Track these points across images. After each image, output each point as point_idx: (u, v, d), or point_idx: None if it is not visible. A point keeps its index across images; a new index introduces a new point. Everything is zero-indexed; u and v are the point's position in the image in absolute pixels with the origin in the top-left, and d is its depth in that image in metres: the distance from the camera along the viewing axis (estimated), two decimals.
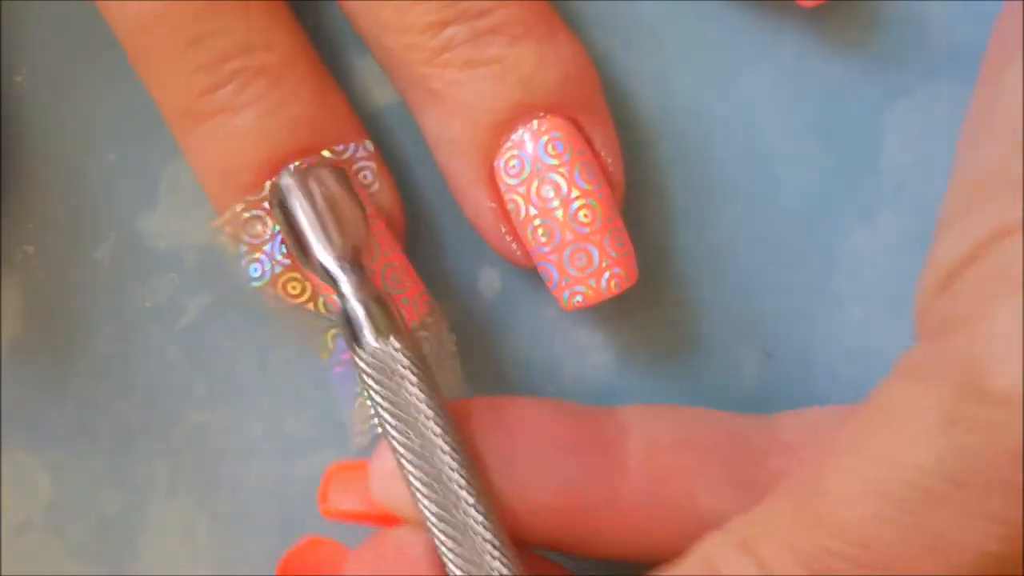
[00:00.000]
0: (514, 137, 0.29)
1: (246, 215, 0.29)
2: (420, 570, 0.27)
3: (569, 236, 0.29)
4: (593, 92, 0.30)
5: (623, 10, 0.31)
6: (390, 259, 0.29)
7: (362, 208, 0.29)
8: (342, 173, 0.29)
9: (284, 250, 0.29)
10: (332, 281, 0.28)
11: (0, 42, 0.31)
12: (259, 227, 0.29)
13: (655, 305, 0.31)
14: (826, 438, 0.27)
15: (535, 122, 0.29)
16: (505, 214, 0.29)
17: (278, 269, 0.29)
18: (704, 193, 0.31)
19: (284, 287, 0.29)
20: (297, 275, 0.29)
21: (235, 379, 0.32)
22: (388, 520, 0.28)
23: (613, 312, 0.31)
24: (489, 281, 0.32)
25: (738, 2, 0.31)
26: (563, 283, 0.29)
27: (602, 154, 0.29)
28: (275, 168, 0.29)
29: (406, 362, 0.27)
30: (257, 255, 0.29)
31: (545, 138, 0.29)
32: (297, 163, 0.29)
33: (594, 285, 0.29)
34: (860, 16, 0.31)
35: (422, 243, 0.31)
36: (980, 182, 0.25)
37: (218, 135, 0.28)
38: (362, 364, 0.27)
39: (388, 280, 0.29)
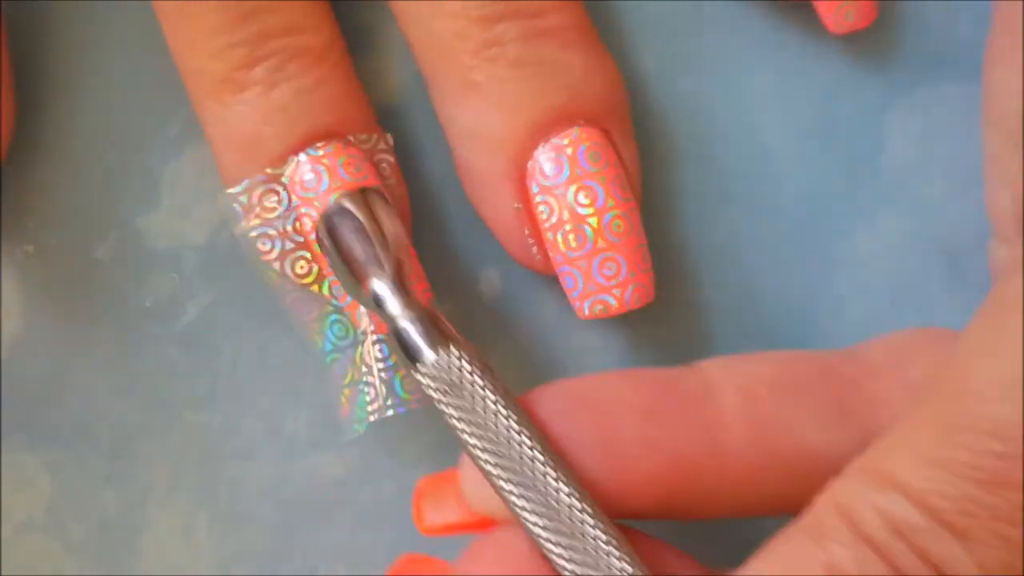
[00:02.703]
0: (555, 140, 0.29)
1: (263, 188, 0.29)
2: (529, 569, 0.26)
3: (601, 244, 0.29)
4: (626, 109, 0.30)
5: (623, 10, 0.31)
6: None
7: (401, 227, 0.29)
8: (380, 194, 0.29)
9: (295, 226, 0.29)
10: (380, 305, 0.28)
11: (0, 42, 0.31)
12: (274, 201, 0.29)
13: (655, 305, 0.31)
14: (918, 356, 0.26)
15: (576, 129, 0.29)
16: (530, 216, 0.29)
17: (288, 246, 0.29)
18: (704, 193, 0.31)
19: (292, 265, 0.29)
20: (306, 254, 0.29)
21: (235, 379, 0.32)
22: (487, 525, 0.27)
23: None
24: (489, 281, 0.32)
25: (738, 2, 0.31)
26: (588, 290, 0.29)
27: (629, 170, 0.30)
28: (303, 145, 0.29)
29: (469, 368, 0.27)
30: (269, 230, 0.29)
31: (586, 145, 0.29)
32: (336, 195, 0.29)
33: (618, 295, 0.29)
34: None
35: (422, 244, 0.31)
36: None
37: (252, 106, 0.29)
38: (425, 380, 0.27)
39: None
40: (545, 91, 0.29)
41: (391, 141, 0.30)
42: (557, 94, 0.29)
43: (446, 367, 0.27)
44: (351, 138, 0.29)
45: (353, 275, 0.28)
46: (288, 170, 0.29)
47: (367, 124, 0.30)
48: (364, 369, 0.29)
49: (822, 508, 0.24)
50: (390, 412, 0.29)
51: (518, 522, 0.26)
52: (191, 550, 0.32)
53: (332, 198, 0.28)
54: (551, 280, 0.30)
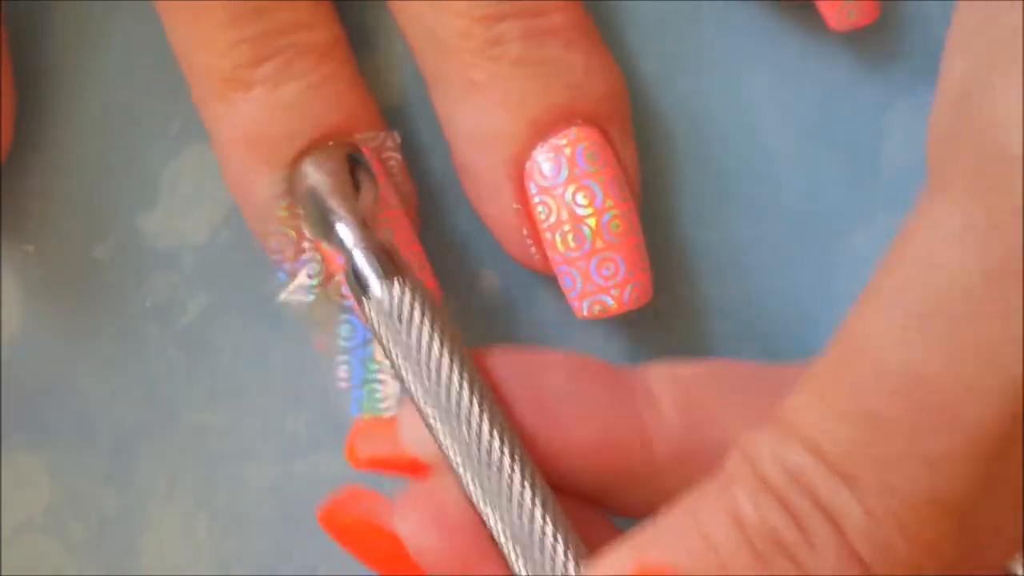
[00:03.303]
0: (553, 140, 0.29)
1: (280, 189, 0.29)
2: (457, 520, 0.26)
3: (599, 244, 0.29)
4: (626, 110, 0.30)
5: (623, 10, 0.31)
6: (412, 247, 0.29)
7: (374, 183, 0.29)
8: (357, 149, 0.29)
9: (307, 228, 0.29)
10: (340, 242, 0.28)
11: (0, 43, 0.31)
12: (288, 202, 0.29)
13: (655, 305, 0.31)
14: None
15: (574, 129, 0.29)
16: (529, 216, 0.29)
17: (305, 245, 0.29)
18: (704, 193, 0.31)
19: (307, 264, 0.29)
20: (317, 255, 0.29)
21: (235, 379, 0.32)
22: (419, 469, 0.27)
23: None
24: (489, 281, 0.32)
25: (738, 2, 0.31)
26: (586, 290, 0.29)
27: (628, 170, 0.30)
28: (311, 144, 0.29)
29: (416, 305, 0.27)
30: (286, 229, 0.29)
31: (584, 145, 0.29)
32: (315, 152, 0.29)
33: (617, 295, 0.29)
34: None
35: (422, 244, 0.31)
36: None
37: (259, 104, 0.29)
38: (371, 314, 0.27)
39: None
40: (547, 90, 0.29)
41: (398, 139, 0.30)
42: (559, 93, 0.29)
43: (393, 301, 0.27)
44: (358, 136, 0.29)
45: (323, 219, 0.28)
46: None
47: (374, 122, 0.30)
48: (375, 366, 0.29)
49: (731, 458, 0.24)
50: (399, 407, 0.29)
51: (449, 469, 0.26)
52: (191, 550, 0.32)
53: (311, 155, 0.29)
54: (551, 280, 0.30)
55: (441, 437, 0.26)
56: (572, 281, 0.29)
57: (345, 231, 0.28)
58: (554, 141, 0.29)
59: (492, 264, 0.31)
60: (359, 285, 0.27)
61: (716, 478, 0.24)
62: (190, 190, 0.31)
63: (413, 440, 0.27)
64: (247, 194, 0.29)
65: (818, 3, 0.30)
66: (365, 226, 0.28)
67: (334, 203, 0.28)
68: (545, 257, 0.29)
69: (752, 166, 0.31)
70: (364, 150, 0.29)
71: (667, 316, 0.31)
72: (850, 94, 0.31)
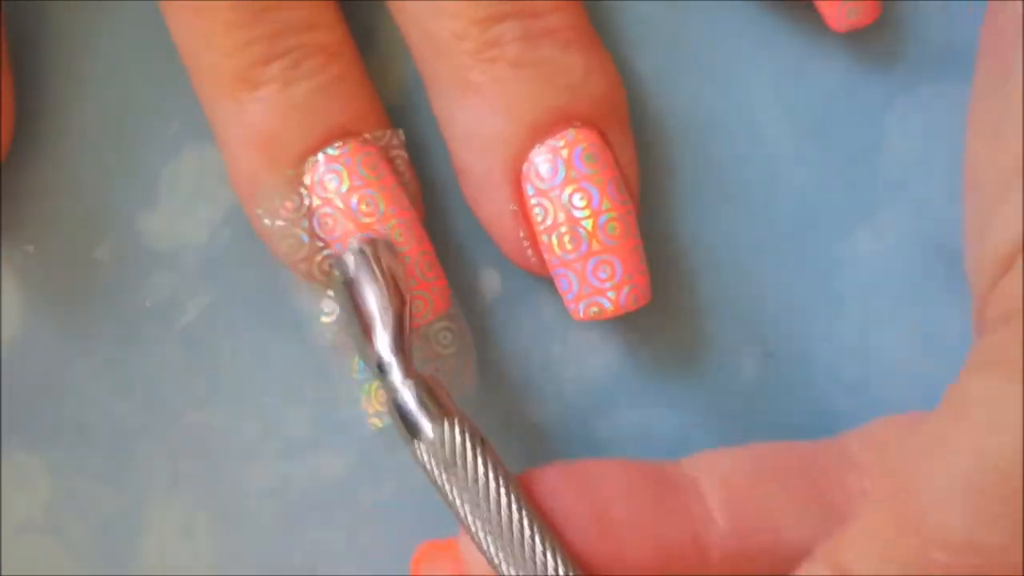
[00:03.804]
0: (551, 142, 0.29)
1: (283, 192, 0.29)
2: None
3: (596, 246, 0.29)
4: (625, 111, 0.30)
5: (623, 10, 0.31)
6: (424, 247, 0.29)
7: (401, 288, 0.28)
8: (391, 247, 0.29)
9: (316, 229, 0.29)
10: (382, 372, 0.28)
11: (0, 43, 0.31)
12: (296, 202, 0.29)
13: (655, 305, 0.31)
14: (896, 449, 0.27)
15: (572, 131, 0.29)
16: (526, 218, 0.29)
17: (315, 247, 0.29)
18: (704, 193, 0.31)
19: (319, 267, 0.29)
20: (331, 254, 0.29)
21: (235, 379, 0.32)
22: None
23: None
24: (489, 282, 0.32)
25: (738, 2, 0.31)
26: (582, 292, 0.29)
27: (626, 172, 0.30)
28: (321, 143, 0.29)
29: (467, 443, 0.27)
30: (293, 232, 0.29)
31: (582, 146, 0.29)
32: (357, 238, 0.28)
33: (613, 298, 0.29)
34: None
35: None
36: (1017, 166, 0.24)
37: (269, 104, 0.29)
38: (424, 456, 0.27)
39: (421, 267, 0.29)
40: (545, 92, 0.29)
41: (403, 137, 0.30)
42: (557, 95, 0.29)
43: (444, 442, 0.27)
44: (367, 135, 0.29)
45: (363, 329, 0.28)
46: (307, 170, 0.29)
47: (381, 121, 0.30)
48: None
49: None
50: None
51: None
52: (191, 550, 0.32)
53: (351, 246, 0.28)
54: (550, 281, 0.30)
55: (503, 568, 0.26)
56: (568, 283, 0.29)
57: (389, 363, 0.28)
58: (551, 143, 0.29)
59: (492, 264, 0.31)
60: (407, 425, 0.27)
61: None
62: (190, 190, 0.31)
63: (476, 564, 0.27)
64: (254, 194, 0.29)
65: (818, 3, 0.30)
66: (404, 353, 0.28)
67: (371, 319, 0.28)
68: (542, 259, 0.29)
69: (752, 167, 0.31)
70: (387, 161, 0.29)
71: (667, 316, 0.31)
72: (850, 94, 0.31)
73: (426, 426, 0.27)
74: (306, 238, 0.29)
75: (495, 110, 0.29)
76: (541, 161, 0.29)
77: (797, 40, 0.31)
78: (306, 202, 0.29)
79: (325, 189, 0.29)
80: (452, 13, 0.29)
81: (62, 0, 0.31)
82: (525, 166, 0.29)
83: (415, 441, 0.27)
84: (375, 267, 0.28)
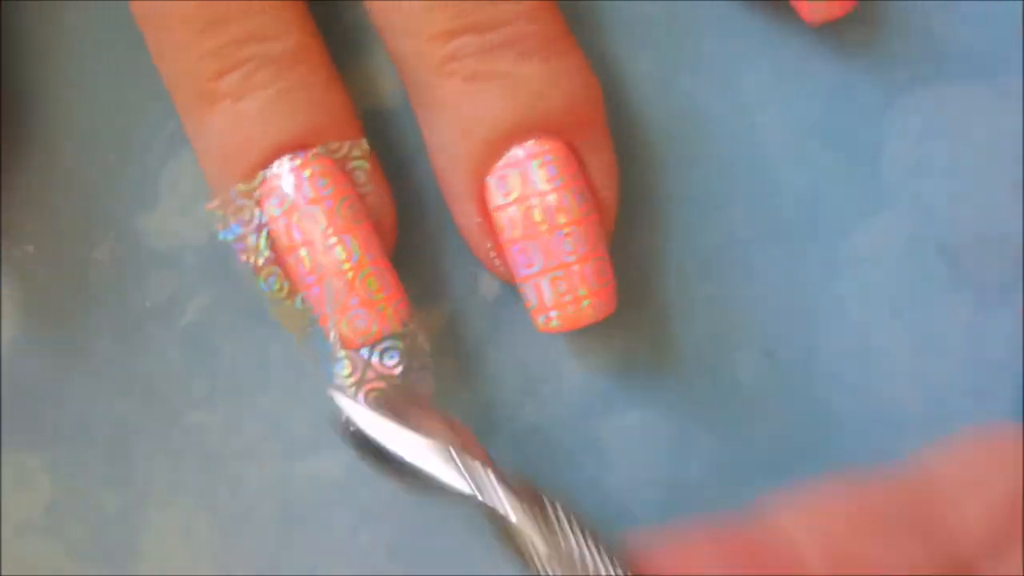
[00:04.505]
0: (509, 156, 0.29)
1: (238, 201, 0.29)
2: None
3: (553, 262, 0.29)
4: (594, 115, 0.29)
5: (623, 10, 0.31)
6: (375, 262, 0.29)
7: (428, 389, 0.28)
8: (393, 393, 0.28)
9: (268, 243, 0.29)
10: (462, 493, 0.27)
11: (0, 42, 0.31)
12: (248, 215, 0.29)
13: (655, 305, 0.31)
14: (994, 472, 0.26)
15: (531, 143, 0.29)
16: (492, 230, 0.29)
17: (261, 261, 0.29)
18: (704, 193, 0.31)
19: (267, 280, 0.29)
20: (277, 270, 0.29)
21: (235, 379, 0.32)
22: None
23: (613, 312, 0.31)
24: (489, 283, 0.32)
25: (738, 2, 0.31)
26: (542, 305, 0.29)
27: (596, 179, 0.29)
28: (275, 155, 0.28)
29: (586, 554, 0.26)
30: (244, 242, 0.29)
31: (539, 160, 0.28)
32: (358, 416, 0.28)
33: (571, 313, 0.29)
34: (860, 16, 0.31)
35: (422, 244, 0.31)
36: None
37: (224, 118, 0.29)
38: (549, 570, 0.26)
39: (369, 283, 0.29)
40: (501, 106, 0.28)
41: (367, 147, 0.29)
42: (514, 108, 0.28)
43: (562, 558, 0.26)
44: (319, 149, 0.29)
45: (427, 476, 0.27)
46: (256, 184, 0.29)
47: (341, 131, 0.29)
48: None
49: None
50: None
51: None
52: (191, 550, 0.32)
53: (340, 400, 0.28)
54: None
55: None
56: (528, 296, 0.29)
57: (477, 483, 0.26)
58: (510, 156, 0.29)
59: None
60: (524, 551, 0.26)
61: None
62: (189, 190, 0.31)
63: None
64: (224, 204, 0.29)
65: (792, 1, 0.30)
66: (498, 474, 0.27)
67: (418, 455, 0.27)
68: (509, 268, 0.29)
69: (752, 166, 0.31)
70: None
71: (667, 317, 0.31)
72: (850, 94, 0.31)
73: (542, 548, 0.26)
74: (266, 251, 0.29)
75: (453, 126, 0.29)
76: (500, 176, 0.29)
77: (797, 40, 0.31)
78: (256, 218, 0.29)
79: (271, 204, 0.29)
80: (410, 32, 0.28)
81: (63, 0, 0.31)
82: (489, 179, 0.29)
83: (537, 559, 0.26)
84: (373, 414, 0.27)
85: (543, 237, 0.29)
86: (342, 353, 0.29)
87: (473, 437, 0.28)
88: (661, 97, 0.31)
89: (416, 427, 0.27)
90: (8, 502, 0.32)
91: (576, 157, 0.29)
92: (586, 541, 0.26)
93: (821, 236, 0.31)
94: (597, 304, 0.29)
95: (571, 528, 0.26)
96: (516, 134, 0.28)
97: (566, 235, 0.28)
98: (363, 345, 0.29)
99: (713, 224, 0.31)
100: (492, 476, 0.26)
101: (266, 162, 0.29)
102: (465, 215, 0.30)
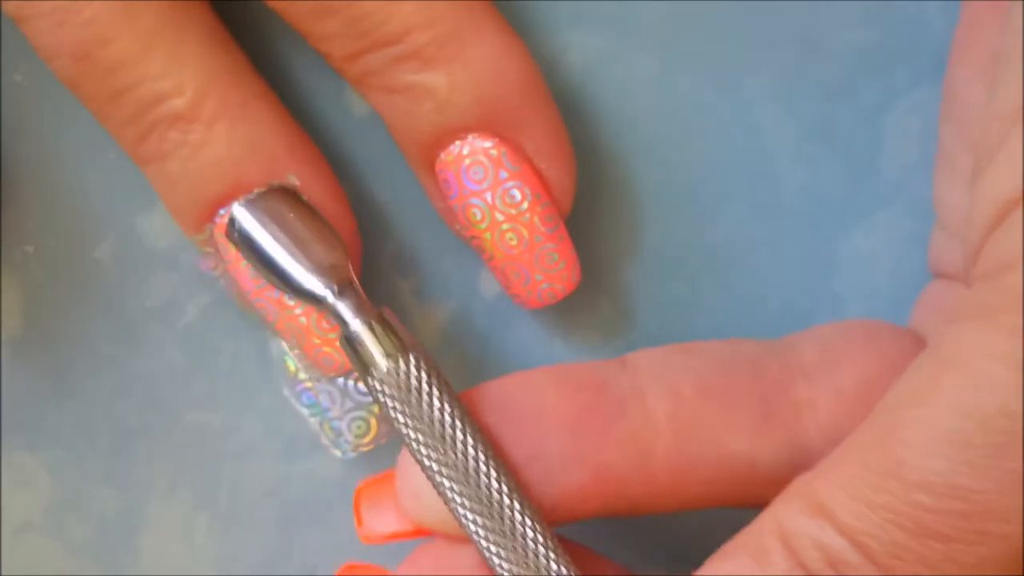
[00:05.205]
0: (439, 160, 0.29)
1: (203, 250, 0.29)
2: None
3: (500, 256, 0.29)
4: (522, 100, 0.29)
5: (623, 10, 0.31)
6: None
7: (328, 225, 0.28)
8: (294, 195, 0.28)
9: (229, 284, 0.29)
10: (323, 306, 0.27)
11: (0, 42, 0.31)
12: (214, 260, 0.29)
13: (654, 305, 0.31)
14: (850, 358, 0.27)
15: (455, 145, 0.29)
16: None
17: (240, 297, 0.29)
18: (704, 193, 0.31)
19: (249, 311, 0.29)
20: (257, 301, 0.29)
21: (235, 379, 0.32)
22: (426, 534, 0.28)
23: (612, 312, 0.31)
24: (489, 281, 0.32)
25: (738, 2, 0.31)
26: (508, 287, 0.30)
27: (539, 162, 0.29)
28: (209, 211, 0.29)
29: (424, 377, 0.27)
30: (224, 281, 0.29)
31: (466, 162, 0.29)
32: (253, 193, 0.28)
33: (530, 296, 0.30)
34: (860, 16, 0.31)
35: (422, 244, 0.31)
36: (1016, 113, 0.24)
37: (158, 180, 0.29)
38: (379, 387, 0.27)
39: (321, 325, 0.29)
40: (416, 115, 0.28)
41: (296, 181, 0.29)
42: (428, 117, 0.28)
43: (399, 375, 0.27)
44: (242, 200, 0.28)
45: (277, 275, 0.28)
46: (207, 235, 0.29)
47: (267, 165, 0.29)
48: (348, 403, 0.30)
49: (764, 528, 0.25)
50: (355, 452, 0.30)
51: (457, 532, 0.27)
52: (191, 550, 0.32)
53: (240, 200, 0.28)
54: None
55: (451, 497, 0.27)
56: (497, 279, 0.30)
57: (334, 300, 0.27)
58: (441, 159, 0.29)
59: None
60: (362, 361, 0.27)
61: (747, 547, 0.25)
62: None
63: (416, 510, 0.28)
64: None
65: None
66: (354, 288, 0.27)
67: (296, 260, 0.27)
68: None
69: (752, 166, 0.31)
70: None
71: (667, 316, 0.31)
72: (850, 94, 0.31)
73: (380, 360, 0.27)
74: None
75: (391, 130, 0.29)
76: (441, 178, 0.29)
77: (797, 40, 0.31)
78: (220, 261, 0.29)
79: (222, 253, 0.29)
80: (326, 54, 0.29)
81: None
82: (438, 173, 0.29)
83: (369, 373, 0.27)
84: (266, 215, 0.28)
85: (487, 235, 0.29)
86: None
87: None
88: (661, 97, 0.31)
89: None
90: (8, 502, 0.32)
91: (508, 146, 0.29)
92: (431, 390, 0.27)
93: (821, 236, 0.31)
94: (555, 287, 0.29)
95: (428, 384, 0.27)
96: (441, 139, 0.28)
97: (506, 231, 0.29)
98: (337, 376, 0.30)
99: (713, 224, 0.31)
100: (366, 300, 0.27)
101: (208, 217, 0.29)
102: (436, 206, 0.30)
